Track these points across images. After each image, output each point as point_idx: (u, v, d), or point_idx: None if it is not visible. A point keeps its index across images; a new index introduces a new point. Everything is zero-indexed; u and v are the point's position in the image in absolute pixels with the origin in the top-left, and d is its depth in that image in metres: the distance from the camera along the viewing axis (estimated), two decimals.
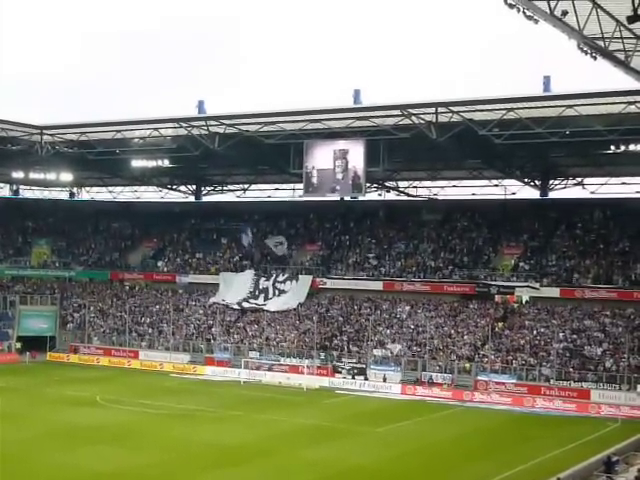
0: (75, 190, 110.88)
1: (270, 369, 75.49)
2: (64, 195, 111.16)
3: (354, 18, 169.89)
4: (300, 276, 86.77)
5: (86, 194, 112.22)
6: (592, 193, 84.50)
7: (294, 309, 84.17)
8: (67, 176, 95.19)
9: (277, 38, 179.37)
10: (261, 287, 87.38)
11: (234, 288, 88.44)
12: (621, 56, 39.65)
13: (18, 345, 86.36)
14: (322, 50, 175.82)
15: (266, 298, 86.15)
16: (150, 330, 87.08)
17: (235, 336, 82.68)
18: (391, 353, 74.02)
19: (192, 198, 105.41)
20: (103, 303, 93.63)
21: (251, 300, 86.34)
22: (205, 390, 69.67)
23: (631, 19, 32.75)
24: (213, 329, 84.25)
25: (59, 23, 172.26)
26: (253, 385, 72.43)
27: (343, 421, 56.23)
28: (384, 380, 71.39)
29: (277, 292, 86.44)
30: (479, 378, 69.15)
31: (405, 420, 57.29)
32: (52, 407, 58.34)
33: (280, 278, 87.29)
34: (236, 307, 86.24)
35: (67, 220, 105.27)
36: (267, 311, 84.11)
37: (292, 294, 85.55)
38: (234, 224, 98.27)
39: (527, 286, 75.99)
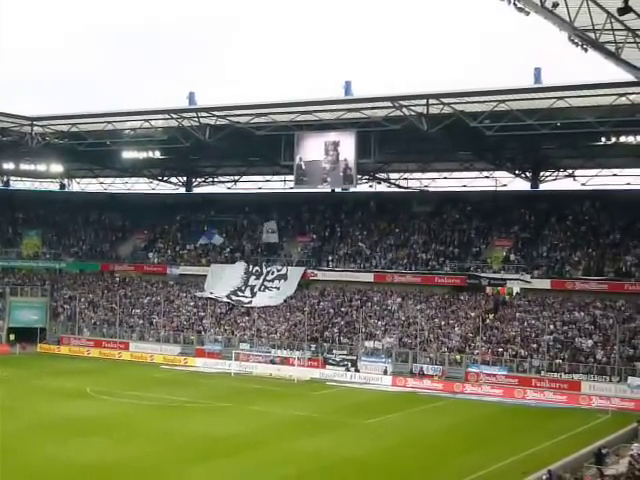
0: (66, 181, 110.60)
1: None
2: (55, 186, 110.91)
3: (345, 9, 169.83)
4: (290, 270, 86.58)
5: (77, 185, 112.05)
6: (583, 185, 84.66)
7: (284, 302, 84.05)
8: (58, 167, 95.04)
9: (268, 30, 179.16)
10: (250, 283, 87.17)
11: (224, 280, 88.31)
12: (612, 48, 39.71)
13: (11, 337, 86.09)
14: (313, 41, 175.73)
15: (252, 294, 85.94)
16: (141, 322, 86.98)
17: (226, 328, 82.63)
18: (382, 346, 74.05)
19: (183, 190, 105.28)
20: (94, 295, 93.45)
21: (238, 293, 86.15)
22: (196, 382, 69.64)
23: (622, 11, 32.80)
24: (204, 321, 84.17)
25: (49, 16, 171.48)
26: (244, 377, 72.40)
27: (334, 413, 56.25)
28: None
29: (263, 288, 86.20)
30: (470, 370, 69.24)
31: (396, 412, 57.31)
32: (42, 399, 58.18)
33: (269, 277, 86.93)
34: (225, 300, 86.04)
35: (58, 211, 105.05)
36: (252, 307, 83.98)
37: (279, 291, 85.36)
38: (225, 216, 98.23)
39: (518, 279, 76.06)
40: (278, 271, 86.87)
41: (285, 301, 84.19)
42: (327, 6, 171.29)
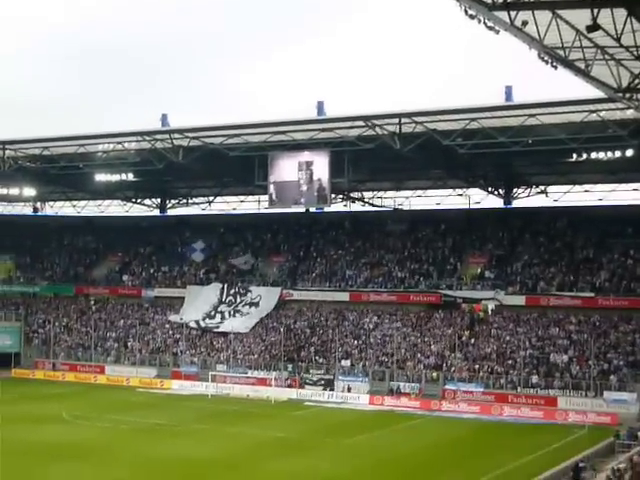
0: (39, 205, 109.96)
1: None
2: (27, 210, 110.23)
3: (316, 30, 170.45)
4: (265, 294, 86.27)
5: (50, 209, 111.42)
6: (555, 201, 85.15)
7: (258, 322, 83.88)
8: (30, 191, 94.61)
9: (239, 50, 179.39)
10: (220, 309, 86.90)
11: (198, 303, 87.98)
12: (581, 65, 39.93)
13: None
14: (286, 62, 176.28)
15: (222, 318, 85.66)
16: (116, 345, 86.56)
17: (202, 350, 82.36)
18: (352, 365, 74.20)
19: (157, 212, 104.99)
20: (68, 318, 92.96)
21: (207, 320, 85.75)
22: (172, 404, 69.36)
23: (590, 28, 32.98)
24: (179, 343, 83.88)
25: (18, 37, 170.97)
26: (221, 398, 72.15)
27: (312, 433, 56.20)
28: (348, 390, 71.39)
29: (234, 313, 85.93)
30: (447, 387, 69.37)
31: (374, 431, 57.33)
32: (17, 424, 57.51)
33: (242, 304, 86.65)
34: (194, 326, 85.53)
35: (31, 235, 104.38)
36: (221, 332, 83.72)
37: (249, 316, 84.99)
38: (199, 237, 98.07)
39: (492, 298, 76.29)
40: (252, 299, 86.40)
41: (254, 327, 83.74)
42: (298, 26, 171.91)
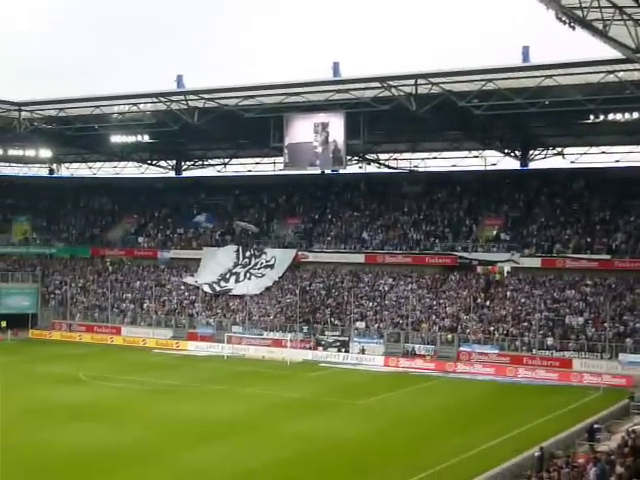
0: (55, 166, 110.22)
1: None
2: (44, 172, 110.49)
3: None
4: (280, 255, 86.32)
5: (66, 170, 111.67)
6: (572, 163, 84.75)
7: (275, 282, 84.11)
8: (46, 153, 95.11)
9: (255, 12, 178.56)
10: (235, 271, 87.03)
11: (213, 265, 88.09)
12: (599, 25, 39.68)
13: (3, 323, 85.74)
14: (301, 23, 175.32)
15: (236, 281, 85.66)
16: (132, 306, 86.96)
17: (217, 311, 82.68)
18: (367, 326, 74.38)
19: (172, 173, 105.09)
20: (85, 279, 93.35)
21: (221, 283, 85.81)
22: (188, 365, 69.72)
23: None
24: (195, 304, 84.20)
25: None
26: (236, 359, 72.51)
27: (327, 394, 56.36)
28: (363, 352, 71.65)
29: (249, 275, 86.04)
30: (462, 349, 69.48)
31: (388, 392, 57.53)
32: (35, 385, 58.19)
33: (257, 266, 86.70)
34: (207, 290, 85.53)
35: (47, 197, 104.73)
36: (234, 295, 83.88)
37: (262, 278, 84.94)
38: (215, 199, 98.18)
39: (508, 260, 76.18)
40: (267, 262, 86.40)
41: (269, 288, 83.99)
42: None
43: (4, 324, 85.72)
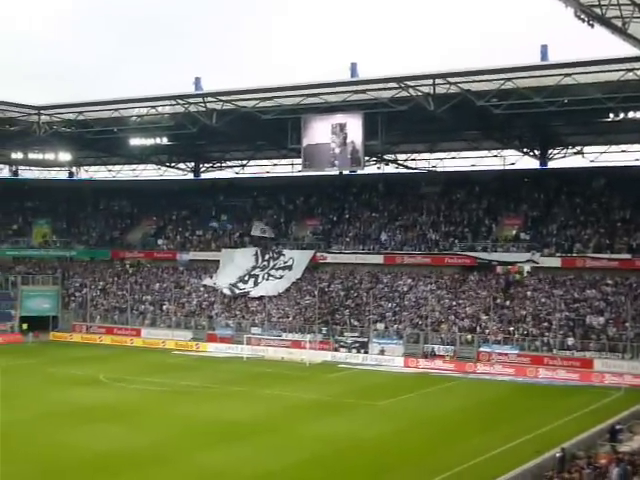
0: (74, 170, 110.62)
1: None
2: (63, 175, 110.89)
3: None
4: (297, 257, 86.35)
5: (85, 173, 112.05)
6: (592, 162, 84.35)
7: (293, 284, 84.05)
8: (66, 156, 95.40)
9: (273, 13, 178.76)
10: (254, 273, 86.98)
11: (232, 266, 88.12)
12: (618, 23, 39.43)
13: (24, 326, 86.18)
14: (319, 24, 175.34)
15: (255, 283, 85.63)
16: (152, 308, 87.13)
17: (236, 312, 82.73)
18: (386, 327, 74.23)
19: (191, 175, 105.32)
20: (104, 282, 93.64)
21: (240, 285, 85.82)
22: (208, 367, 69.82)
23: None
24: (215, 306, 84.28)
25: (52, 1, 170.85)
26: (256, 361, 72.54)
27: (346, 395, 56.28)
28: (383, 353, 71.52)
29: (267, 277, 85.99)
30: (481, 349, 69.21)
31: (408, 393, 57.41)
32: (56, 387, 58.39)
33: (276, 267, 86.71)
34: (226, 292, 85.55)
35: (67, 200, 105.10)
36: (252, 297, 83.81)
37: (281, 280, 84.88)
38: (233, 200, 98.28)
39: (528, 260, 75.86)
40: (284, 262, 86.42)
41: (288, 290, 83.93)
42: None
43: (25, 326, 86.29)
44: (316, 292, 79.98)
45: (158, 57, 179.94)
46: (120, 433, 43.78)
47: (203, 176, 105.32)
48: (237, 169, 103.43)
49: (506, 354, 67.79)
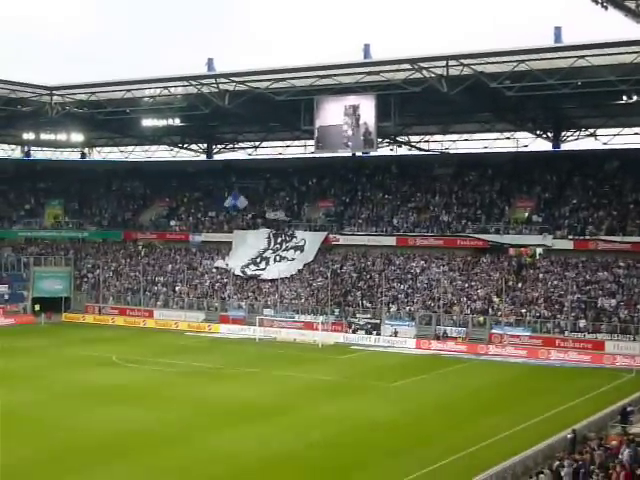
0: (86, 150, 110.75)
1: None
2: (75, 156, 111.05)
3: None
4: (310, 238, 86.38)
5: (97, 154, 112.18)
6: (605, 144, 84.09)
7: (306, 265, 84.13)
8: (78, 137, 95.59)
9: None
10: (265, 255, 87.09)
11: (245, 248, 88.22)
12: (632, 5, 39.26)
13: (37, 307, 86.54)
14: (332, 5, 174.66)
15: (267, 265, 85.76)
16: (164, 289, 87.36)
17: (249, 294, 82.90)
18: (398, 309, 74.27)
19: (204, 157, 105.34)
20: (117, 263, 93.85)
21: (251, 266, 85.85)
22: (221, 348, 70.08)
23: None
24: (227, 287, 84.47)
25: None
26: (268, 342, 72.77)
27: (359, 376, 56.54)
28: (395, 334, 71.70)
29: (279, 258, 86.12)
30: (493, 331, 69.26)
31: (420, 374, 57.52)
32: (68, 368, 58.68)
33: (287, 248, 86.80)
34: (238, 273, 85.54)
35: (79, 181, 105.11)
36: (264, 279, 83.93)
37: (293, 262, 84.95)
38: (246, 182, 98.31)
39: (539, 244, 75.81)
40: (296, 244, 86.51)
41: (301, 271, 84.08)
42: None
43: (38, 307, 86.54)
44: (329, 274, 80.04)
45: (171, 38, 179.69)
46: (133, 414, 43.99)
47: (216, 157, 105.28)
48: (250, 150, 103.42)
49: (518, 336, 67.85)
